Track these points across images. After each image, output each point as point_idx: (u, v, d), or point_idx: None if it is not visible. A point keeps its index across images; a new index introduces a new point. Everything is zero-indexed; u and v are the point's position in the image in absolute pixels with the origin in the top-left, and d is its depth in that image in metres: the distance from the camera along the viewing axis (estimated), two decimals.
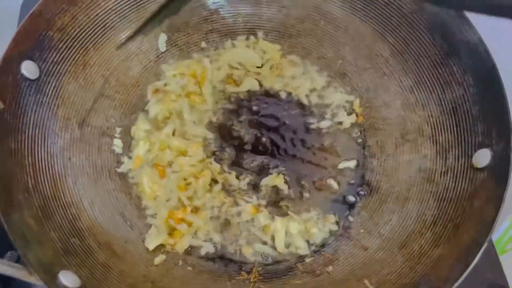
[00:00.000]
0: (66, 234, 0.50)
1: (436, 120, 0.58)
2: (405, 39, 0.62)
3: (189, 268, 0.54)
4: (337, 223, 0.57)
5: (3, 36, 0.52)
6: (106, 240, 0.52)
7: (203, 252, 0.55)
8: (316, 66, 0.68)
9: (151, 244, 0.55)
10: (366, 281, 0.51)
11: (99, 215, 0.54)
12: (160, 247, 0.55)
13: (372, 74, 0.65)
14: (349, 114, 0.64)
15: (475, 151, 0.52)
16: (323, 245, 0.56)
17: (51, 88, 0.57)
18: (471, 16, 0.54)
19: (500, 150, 0.49)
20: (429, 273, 0.48)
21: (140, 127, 0.62)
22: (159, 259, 0.53)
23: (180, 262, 0.54)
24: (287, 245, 0.56)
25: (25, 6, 0.78)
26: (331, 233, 0.57)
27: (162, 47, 0.67)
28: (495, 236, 0.70)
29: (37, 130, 0.54)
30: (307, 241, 0.56)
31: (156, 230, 0.56)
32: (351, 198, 0.59)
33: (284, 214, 0.58)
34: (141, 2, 0.64)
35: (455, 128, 0.56)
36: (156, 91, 0.65)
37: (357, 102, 0.65)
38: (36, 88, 0.55)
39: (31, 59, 0.54)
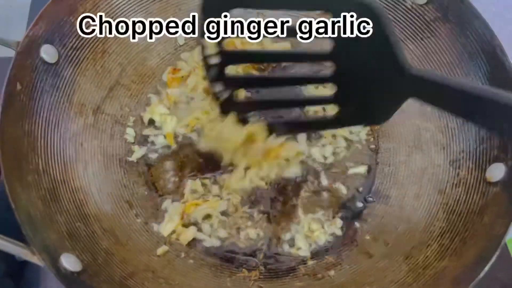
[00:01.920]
0: (72, 218, 0.50)
1: (451, 131, 0.57)
2: (426, 47, 0.61)
3: (191, 261, 0.54)
4: (343, 228, 0.57)
5: (12, 35, 0.53)
6: (111, 227, 0.53)
7: (206, 245, 0.55)
8: None
9: (165, 230, 0.55)
10: None
11: (106, 202, 0.55)
12: (163, 238, 0.55)
13: None
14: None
15: (490, 164, 0.51)
16: (326, 249, 0.55)
17: (69, 73, 0.57)
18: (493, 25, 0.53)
19: None
20: (432, 285, 0.47)
21: (156, 111, 0.62)
22: (161, 249, 0.53)
23: (183, 254, 0.54)
24: (290, 246, 0.55)
25: (34, 5, 0.79)
26: (336, 237, 0.56)
27: (181, 40, 0.67)
28: (508, 235, 0.68)
29: (51, 114, 0.54)
30: (310, 244, 0.55)
31: (169, 216, 0.56)
32: (359, 204, 0.58)
33: None
34: None
35: (470, 141, 0.55)
36: (175, 70, 0.65)
37: None
38: (54, 72, 0.55)
39: (51, 43, 0.55)
